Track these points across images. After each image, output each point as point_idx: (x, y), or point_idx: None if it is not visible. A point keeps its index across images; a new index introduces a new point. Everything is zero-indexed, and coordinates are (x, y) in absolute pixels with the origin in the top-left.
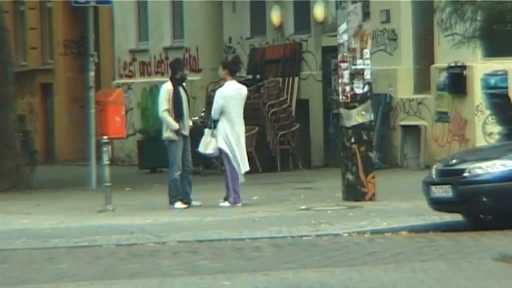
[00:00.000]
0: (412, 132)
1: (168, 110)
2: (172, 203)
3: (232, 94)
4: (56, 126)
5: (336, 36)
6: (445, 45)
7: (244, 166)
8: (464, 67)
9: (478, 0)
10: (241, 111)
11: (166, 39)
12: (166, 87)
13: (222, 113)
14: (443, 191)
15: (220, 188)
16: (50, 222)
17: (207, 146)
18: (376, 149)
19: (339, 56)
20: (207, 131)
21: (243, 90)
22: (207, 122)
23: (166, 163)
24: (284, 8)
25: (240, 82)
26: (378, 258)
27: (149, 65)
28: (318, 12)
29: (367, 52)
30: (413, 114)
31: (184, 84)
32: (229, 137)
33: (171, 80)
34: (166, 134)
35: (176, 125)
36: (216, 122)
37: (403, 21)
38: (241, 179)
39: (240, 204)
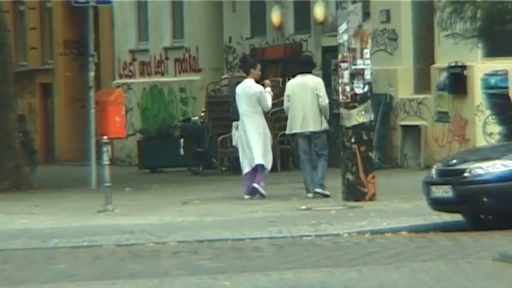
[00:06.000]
0: (412, 132)
1: None
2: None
3: (239, 92)
4: (56, 126)
5: (336, 36)
6: (445, 45)
7: (252, 159)
8: (464, 67)
9: (478, 0)
10: (250, 108)
11: (166, 39)
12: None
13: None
14: (443, 191)
15: (219, 188)
16: (50, 222)
17: (233, 138)
18: (376, 149)
19: (339, 56)
20: (234, 124)
21: (251, 88)
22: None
23: (167, 163)
24: (284, 8)
25: (240, 82)
26: (378, 258)
27: (149, 65)
28: (318, 12)
29: (367, 52)
30: (413, 114)
31: None
32: (239, 132)
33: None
34: (325, 125)
35: None
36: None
37: (403, 21)
38: (244, 169)
39: (246, 196)
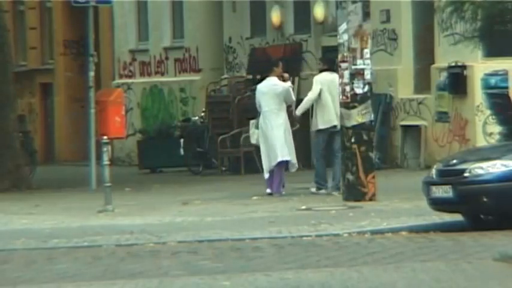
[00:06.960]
0: (412, 132)
1: None
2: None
3: (264, 90)
4: (56, 126)
5: (336, 36)
6: (445, 45)
7: (275, 157)
8: (464, 67)
9: (479, 0)
10: (276, 106)
11: (166, 39)
12: None
13: (259, 106)
14: (443, 191)
15: (219, 188)
16: (50, 222)
17: (252, 136)
18: (376, 149)
19: (339, 56)
20: (251, 122)
21: (278, 86)
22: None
23: (168, 163)
24: (284, 8)
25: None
26: (378, 258)
27: (149, 65)
28: (318, 12)
29: (367, 52)
30: (413, 114)
31: None
32: (261, 130)
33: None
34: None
35: None
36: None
37: (403, 21)
38: (266, 169)
39: (268, 190)
